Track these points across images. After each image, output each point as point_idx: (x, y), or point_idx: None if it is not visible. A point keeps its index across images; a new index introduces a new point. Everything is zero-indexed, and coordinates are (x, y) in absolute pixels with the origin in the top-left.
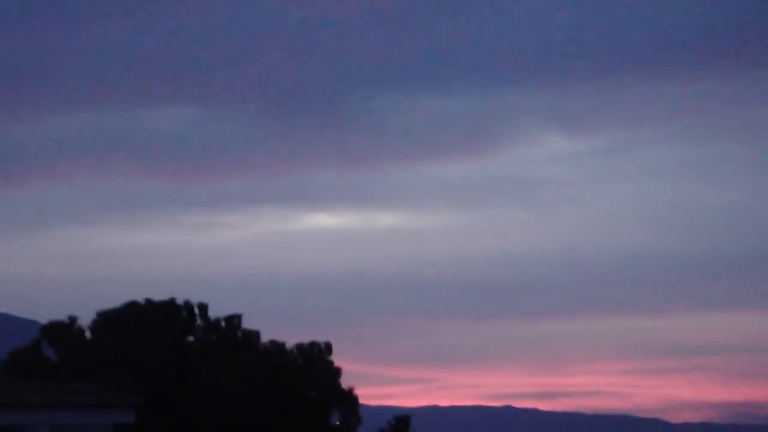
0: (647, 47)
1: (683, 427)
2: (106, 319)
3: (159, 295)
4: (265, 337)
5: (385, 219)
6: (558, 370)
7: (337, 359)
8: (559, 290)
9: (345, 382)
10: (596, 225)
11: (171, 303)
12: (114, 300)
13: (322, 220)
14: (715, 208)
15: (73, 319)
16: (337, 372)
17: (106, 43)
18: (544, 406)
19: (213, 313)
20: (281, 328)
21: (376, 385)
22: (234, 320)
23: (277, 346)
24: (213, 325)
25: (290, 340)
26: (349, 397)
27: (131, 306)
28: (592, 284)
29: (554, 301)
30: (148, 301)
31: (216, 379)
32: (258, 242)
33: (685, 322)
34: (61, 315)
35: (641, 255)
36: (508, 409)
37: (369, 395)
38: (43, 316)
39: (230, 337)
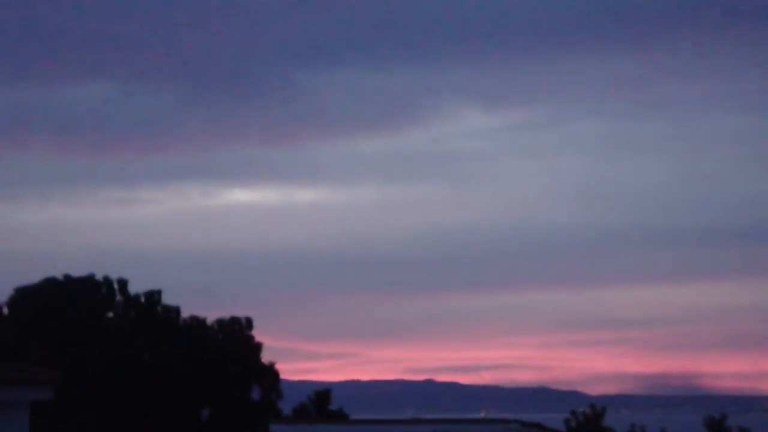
0: (566, 22)
1: (601, 399)
2: (23, 295)
3: (78, 270)
4: (185, 313)
5: (306, 194)
6: (478, 344)
7: (258, 335)
8: (479, 264)
9: (266, 357)
10: (515, 200)
11: (90, 279)
12: (32, 276)
13: (242, 196)
14: (633, 183)
15: None
16: (258, 347)
17: (21, 18)
18: (464, 379)
19: (133, 288)
20: (202, 303)
21: (297, 360)
22: (154, 296)
23: (197, 322)
24: (133, 301)
25: (211, 316)
26: (270, 372)
27: (49, 282)
28: (511, 258)
29: (474, 275)
30: (67, 277)
31: (135, 355)
32: (177, 218)
33: (603, 295)
34: None
35: (560, 229)
36: (429, 383)
37: (290, 370)
38: None
39: (150, 312)
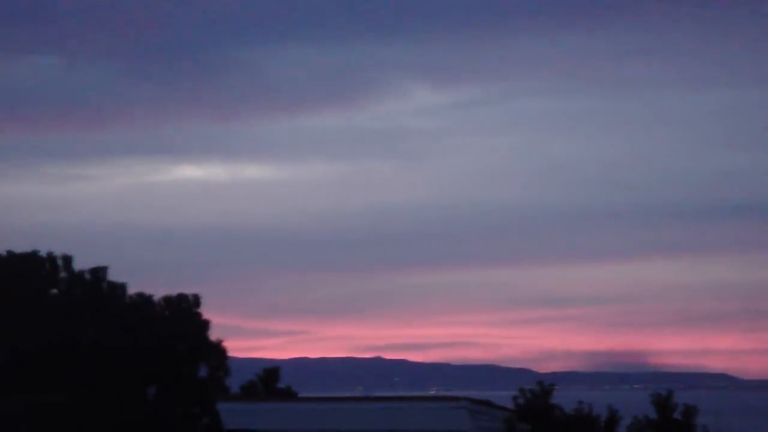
0: (515, 1)
1: (549, 377)
2: None
3: (21, 247)
4: (132, 290)
5: (253, 171)
6: (428, 322)
7: (206, 312)
8: (428, 242)
9: (214, 335)
10: (463, 177)
11: (33, 255)
12: None
13: (189, 172)
14: (580, 161)
15: None
16: (206, 325)
17: None
18: (413, 357)
19: (78, 265)
20: (149, 280)
21: (246, 338)
22: (99, 272)
23: (143, 299)
24: (77, 278)
25: (158, 293)
26: (218, 349)
27: None
28: (461, 236)
29: (423, 253)
30: (10, 253)
31: (80, 332)
32: (124, 194)
33: (551, 274)
34: None
35: (508, 207)
36: (377, 361)
37: (238, 348)
38: None
39: (95, 289)
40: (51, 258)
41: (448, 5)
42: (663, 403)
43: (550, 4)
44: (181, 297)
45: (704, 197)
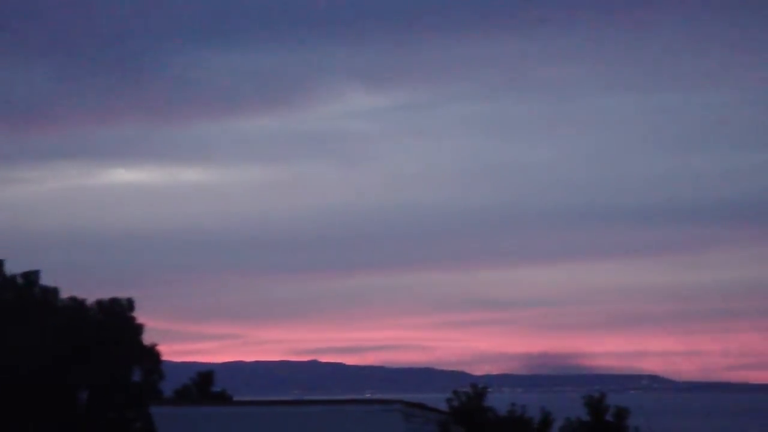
0: (450, 4)
1: (484, 379)
2: None
3: None
4: (64, 294)
5: (191, 174)
6: (363, 325)
7: (141, 316)
8: (364, 245)
9: (148, 339)
10: (398, 180)
11: None
12: None
13: (122, 176)
14: (514, 164)
15: None
16: (140, 328)
17: None
18: (349, 360)
19: (9, 269)
20: (82, 285)
21: (180, 341)
22: (31, 276)
23: (76, 303)
24: (9, 282)
25: (91, 297)
26: (152, 353)
27: None
28: (396, 239)
29: (359, 255)
30: None
31: (11, 337)
32: (56, 197)
33: (487, 276)
34: None
35: (442, 210)
36: (313, 364)
37: (173, 352)
38: None
39: (27, 293)
40: None
41: (382, 8)
42: (595, 405)
43: (483, 8)
44: (115, 301)
45: (635, 200)
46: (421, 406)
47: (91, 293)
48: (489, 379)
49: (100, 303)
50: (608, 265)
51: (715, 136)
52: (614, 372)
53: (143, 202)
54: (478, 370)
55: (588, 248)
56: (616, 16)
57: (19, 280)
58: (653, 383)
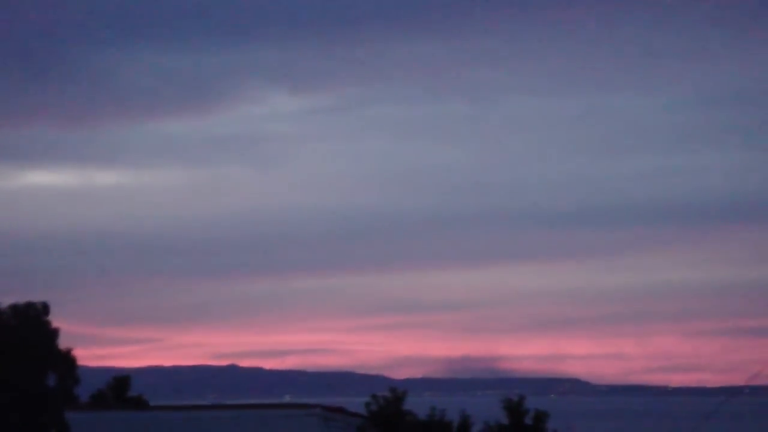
0: (372, 8)
1: (405, 383)
2: None
3: None
4: None
5: (107, 177)
6: (282, 329)
7: (56, 320)
8: (284, 248)
9: (64, 344)
10: (322, 183)
11: None
12: None
13: (38, 178)
14: (435, 167)
15: None
16: (55, 333)
17: None
18: (268, 364)
19: None
20: None
21: (97, 346)
22: None
23: None
24: None
25: (5, 301)
26: (67, 358)
27: None
28: (317, 242)
29: (278, 259)
30: None
31: None
32: None
33: (406, 279)
34: None
35: (363, 213)
36: (232, 368)
37: (89, 356)
38: None
39: None
40: None
41: (306, 10)
42: (514, 408)
43: (407, 10)
44: (29, 305)
45: (555, 203)
46: (341, 410)
47: (5, 297)
48: (410, 382)
49: (14, 307)
50: (528, 269)
51: (628, 140)
52: (535, 375)
53: (59, 205)
54: (399, 374)
55: (508, 251)
56: (532, 18)
57: None
58: (574, 386)
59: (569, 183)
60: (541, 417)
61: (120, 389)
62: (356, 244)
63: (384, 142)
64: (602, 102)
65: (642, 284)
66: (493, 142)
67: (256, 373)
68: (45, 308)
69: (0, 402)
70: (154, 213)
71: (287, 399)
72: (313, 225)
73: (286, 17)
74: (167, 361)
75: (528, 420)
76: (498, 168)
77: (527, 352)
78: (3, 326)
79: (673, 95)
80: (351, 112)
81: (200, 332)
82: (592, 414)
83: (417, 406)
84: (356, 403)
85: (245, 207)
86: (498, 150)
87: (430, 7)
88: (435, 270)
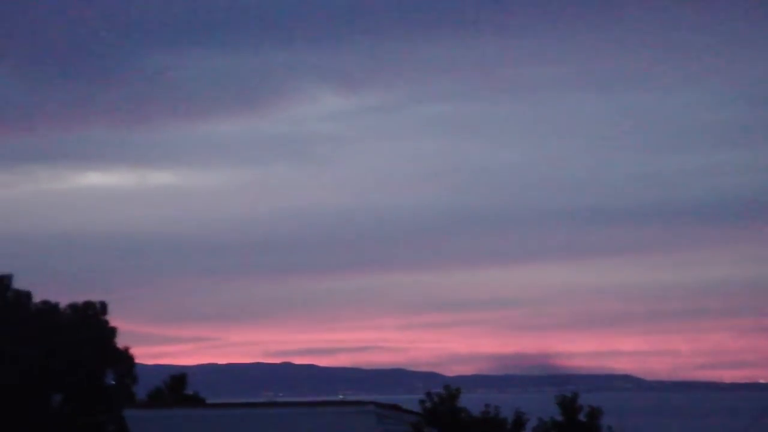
0: (423, 5)
1: (457, 380)
2: None
3: None
4: (37, 298)
5: (161, 177)
6: (336, 326)
7: (114, 319)
8: (336, 246)
9: (121, 342)
10: (371, 182)
11: None
12: None
13: (95, 179)
14: (485, 165)
15: None
16: (113, 332)
17: None
18: (322, 362)
19: None
20: (56, 289)
21: (154, 344)
22: (4, 280)
23: (49, 307)
24: None
25: (65, 301)
26: (125, 356)
27: None
28: (368, 240)
29: (332, 257)
30: None
31: None
32: (28, 201)
33: (458, 277)
34: None
35: (415, 211)
36: (286, 366)
37: (146, 354)
38: None
39: (0, 297)
40: None
41: (354, 9)
42: (568, 405)
43: (458, 7)
44: (88, 304)
45: (608, 200)
46: (395, 407)
47: (64, 297)
48: (462, 379)
49: (73, 306)
50: (580, 265)
51: (682, 136)
52: (587, 372)
53: (115, 205)
54: (451, 371)
55: (560, 248)
56: (590, 15)
57: None
58: (626, 383)
59: (621, 179)
60: (595, 413)
61: (177, 387)
62: (407, 243)
63: (433, 140)
64: (656, 98)
65: (693, 280)
66: (545, 139)
67: (310, 370)
68: (103, 307)
69: (60, 400)
70: (207, 212)
71: (341, 396)
72: (364, 224)
73: (336, 16)
74: (222, 358)
75: (582, 417)
76: (550, 165)
77: (579, 349)
78: (62, 325)
79: (727, 91)
80: (400, 111)
81: (254, 330)
82: (644, 410)
83: (470, 403)
84: (408, 400)
85: (298, 206)
86: (550, 147)
87: (481, 4)
88: (486, 267)
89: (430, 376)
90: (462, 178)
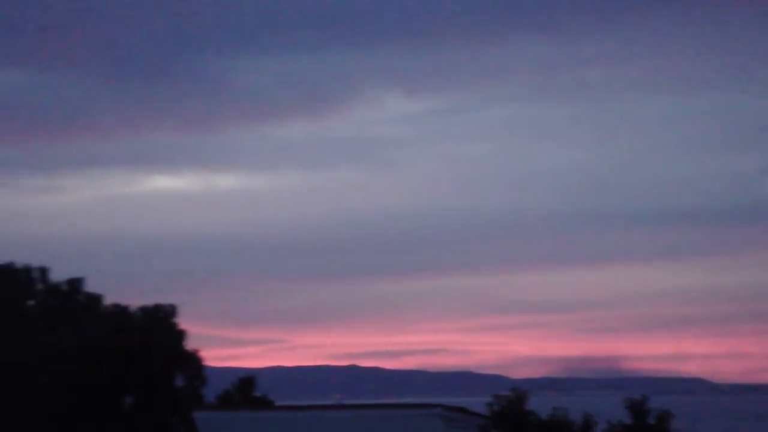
0: (487, 9)
1: (523, 383)
2: None
3: None
4: (108, 301)
5: (227, 180)
6: (402, 329)
7: (183, 322)
8: (403, 250)
9: (190, 345)
10: (436, 185)
11: (9, 267)
12: None
13: (162, 183)
14: (552, 168)
15: None
16: (182, 334)
17: None
18: (388, 364)
19: (55, 276)
20: (125, 291)
21: (222, 347)
22: (75, 283)
23: (120, 309)
24: (54, 289)
25: (135, 304)
26: (194, 359)
27: None
28: (434, 243)
29: (398, 260)
30: None
31: (56, 342)
32: (98, 205)
33: (525, 280)
34: None
35: (481, 214)
36: (352, 369)
37: (215, 357)
38: None
39: (72, 300)
40: (27, 270)
41: (422, 14)
42: (637, 408)
43: (521, 11)
44: (158, 307)
45: (676, 202)
46: (462, 410)
47: (135, 300)
48: (529, 382)
49: (143, 309)
50: (648, 267)
51: (747, 136)
52: (656, 375)
53: (181, 208)
54: (518, 374)
55: (627, 251)
56: (654, 17)
57: (64, 287)
58: (695, 386)
59: (688, 181)
60: (664, 417)
61: (246, 389)
62: (474, 245)
63: (499, 143)
64: (718, 99)
65: (763, 282)
66: (611, 141)
67: (376, 373)
68: (173, 310)
69: (130, 402)
70: (272, 215)
71: (407, 399)
72: (430, 226)
73: (401, 21)
74: (289, 361)
75: (651, 420)
76: (615, 167)
77: (648, 352)
78: (133, 328)
79: None
80: (466, 114)
81: (321, 333)
82: (714, 414)
83: (537, 406)
84: (474, 403)
85: (363, 209)
86: (615, 149)
87: (546, 7)
88: (552, 270)
89: (496, 379)
90: (527, 179)
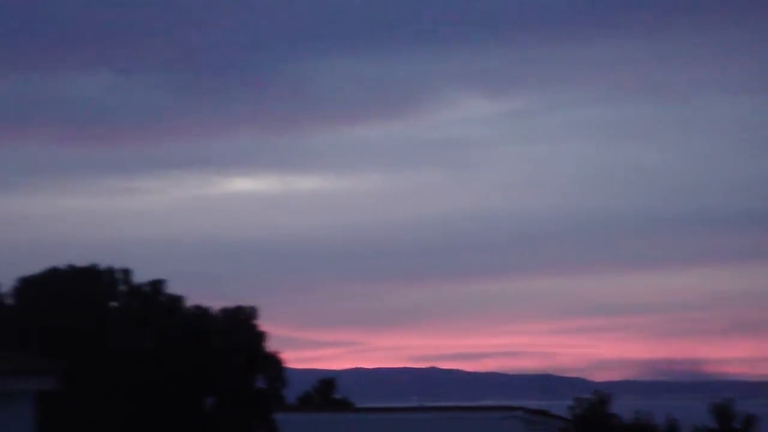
0: (566, 8)
1: (605, 386)
2: (27, 285)
3: (81, 260)
4: (189, 303)
5: (306, 183)
6: (482, 331)
7: (263, 324)
8: (482, 251)
9: (270, 346)
10: (518, 186)
11: (93, 268)
12: (36, 266)
13: (243, 185)
14: (633, 168)
15: None
16: (263, 336)
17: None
18: (468, 366)
19: (136, 278)
20: (206, 293)
21: (302, 348)
22: (157, 285)
23: (201, 311)
24: (136, 291)
25: (215, 306)
26: (275, 361)
27: (53, 271)
28: (515, 245)
29: (478, 262)
30: (70, 267)
31: (138, 344)
32: (179, 207)
33: (606, 281)
34: None
35: (562, 215)
36: (433, 371)
37: (295, 359)
38: None
39: (153, 302)
40: (110, 271)
41: (501, 13)
42: (722, 412)
43: (602, 11)
44: (238, 309)
45: (756, 203)
46: (543, 413)
47: (216, 301)
48: (610, 385)
49: (224, 311)
50: (732, 269)
51: None
52: (741, 378)
53: (262, 211)
54: (599, 377)
55: (710, 252)
56: (738, 17)
57: (146, 289)
58: None
59: None
60: (750, 421)
61: (326, 391)
62: (555, 247)
63: (581, 143)
64: None
65: None
66: (693, 142)
67: (456, 375)
68: (253, 312)
69: (212, 403)
70: (353, 217)
71: (487, 401)
72: (511, 228)
73: (481, 21)
74: (369, 363)
75: (737, 424)
76: (700, 168)
77: (732, 355)
78: (214, 330)
79: None
80: (547, 115)
81: (401, 335)
82: None
83: (619, 409)
84: (555, 406)
85: (443, 211)
86: (698, 150)
87: (626, 6)
88: (634, 272)
89: (578, 382)
90: (609, 181)
